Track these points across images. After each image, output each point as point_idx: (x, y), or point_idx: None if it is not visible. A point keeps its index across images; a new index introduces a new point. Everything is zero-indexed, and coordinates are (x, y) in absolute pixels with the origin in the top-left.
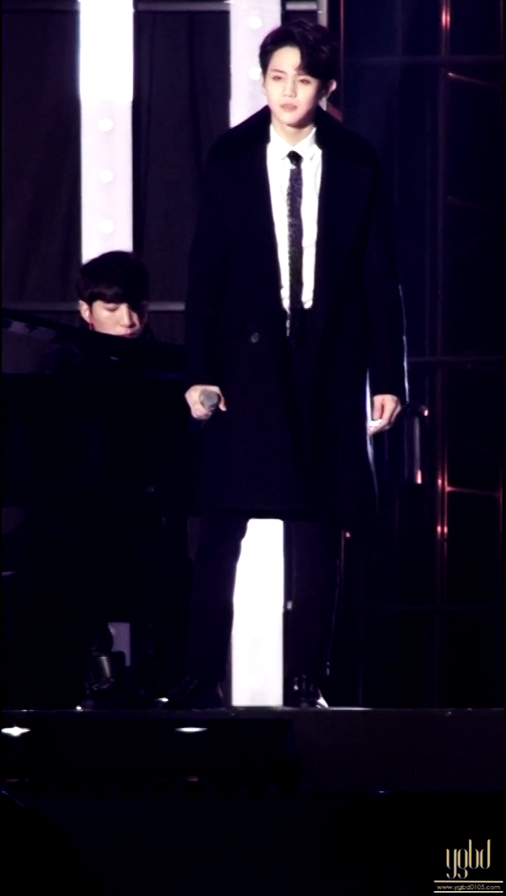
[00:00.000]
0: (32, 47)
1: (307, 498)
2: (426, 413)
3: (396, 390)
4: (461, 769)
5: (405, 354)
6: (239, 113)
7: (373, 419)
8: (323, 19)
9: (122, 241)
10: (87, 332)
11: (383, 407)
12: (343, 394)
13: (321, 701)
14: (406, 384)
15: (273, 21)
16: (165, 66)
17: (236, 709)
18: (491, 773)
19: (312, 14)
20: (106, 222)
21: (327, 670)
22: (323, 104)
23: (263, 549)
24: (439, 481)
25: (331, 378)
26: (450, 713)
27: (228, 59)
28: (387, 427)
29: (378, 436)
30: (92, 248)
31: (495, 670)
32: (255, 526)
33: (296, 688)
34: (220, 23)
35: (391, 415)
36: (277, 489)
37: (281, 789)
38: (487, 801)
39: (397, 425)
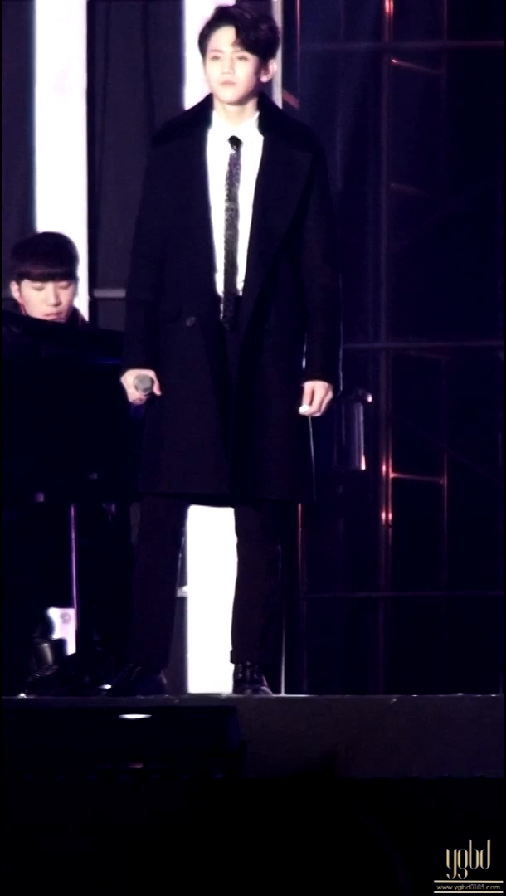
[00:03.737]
0: None
1: (234, 483)
2: (370, 399)
3: (327, 377)
4: (406, 756)
5: (341, 341)
6: (193, 100)
7: (303, 405)
8: (278, 6)
9: (77, 228)
10: (28, 319)
11: (313, 393)
12: (273, 379)
13: (265, 688)
14: (340, 371)
15: None
16: (119, 54)
17: (181, 696)
18: (436, 760)
19: (268, 1)
20: (61, 209)
21: (271, 657)
22: (278, 92)
23: (218, 534)
24: (383, 467)
25: (260, 363)
26: (394, 700)
27: (183, 47)
28: (317, 413)
29: (320, 422)
30: None
31: (439, 656)
32: (211, 512)
33: (240, 675)
34: (174, 10)
35: (321, 401)
36: (206, 473)
37: (225, 776)
38: (432, 788)
39: (338, 411)
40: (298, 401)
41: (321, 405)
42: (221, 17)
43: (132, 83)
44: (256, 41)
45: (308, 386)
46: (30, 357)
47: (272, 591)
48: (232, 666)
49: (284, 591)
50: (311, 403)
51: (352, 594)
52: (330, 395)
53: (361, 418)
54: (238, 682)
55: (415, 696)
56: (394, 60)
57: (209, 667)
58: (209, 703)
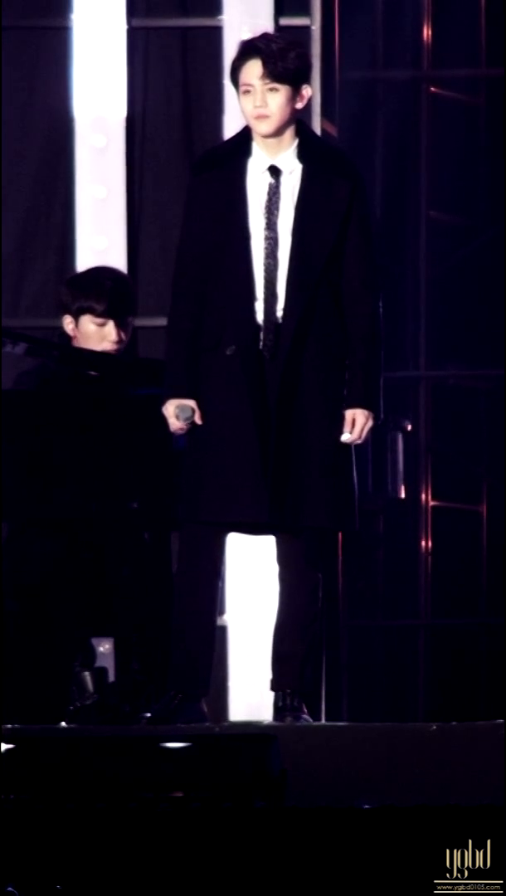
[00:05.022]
0: (25, 64)
1: (273, 511)
2: (409, 427)
3: (368, 405)
4: (446, 784)
5: (382, 369)
6: (232, 128)
7: (344, 433)
8: (317, 34)
9: (117, 257)
10: (70, 348)
11: (354, 421)
12: (314, 407)
13: (305, 716)
14: (380, 399)
15: None
16: (158, 81)
17: (221, 724)
18: (476, 788)
19: (306, 29)
20: (100, 238)
21: (312, 685)
22: (317, 120)
23: (259, 563)
24: (423, 496)
25: (300, 391)
26: (435, 728)
27: (222, 75)
28: (358, 441)
29: (360, 450)
30: (86, 264)
31: (479, 684)
32: (251, 540)
33: (280, 703)
34: (213, 38)
35: (362, 429)
36: (246, 502)
37: (266, 804)
38: (472, 816)
39: (379, 440)
40: (339, 428)
41: (362, 433)
42: (247, 50)
43: (171, 111)
44: (285, 71)
45: (349, 414)
46: (71, 386)
47: (313, 619)
48: (272, 694)
49: (324, 619)
50: (351, 431)
51: (392, 622)
52: (371, 423)
53: (401, 446)
54: (278, 710)
55: (455, 723)
56: (433, 88)
57: (250, 695)
58: (250, 731)
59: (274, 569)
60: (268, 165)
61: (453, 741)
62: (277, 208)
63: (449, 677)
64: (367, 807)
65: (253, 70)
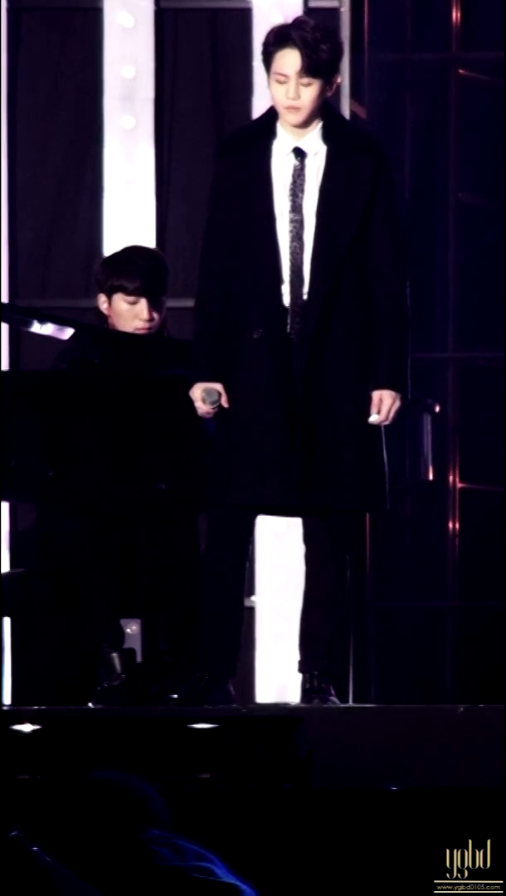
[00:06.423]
0: (54, 45)
1: (301, 494)
2: (438, 409)
3: (395, 385)
4: (473, 766)
5: (409, 350)
6: (261, 108)
7: (371, 414)
8: (346, 17)
9: (145, 238)
10: (101, 329)
11: (380, 402)
12: (340, 387)
13: (333, 697)
14: (408, 380)
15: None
16: (187, 63)
17: (248, 705)
18: (503, 770)
19: (335, 11)
20: (128, 219)
21: (339, 666)
22: (346, 102)
23: (288, 544)
24: (451, 478)
25: (325, 372)
26: (462, 710)
27: (251, 57)
28: (385, 422)
29: (388, 431)
30: (114, 245)
31: (505, 666)
32: (281, 521)
33: (308, 685)
34: (242, 20)
35: (389, 410)
36: (273, 485)
37: (293, 785)
38: (499, 798)
39: (407, 421)
40: (366, 410)
41: (389, 414)
42: (284, 38)
43: (200, 92)
44: (320, 64)
45: (376, 395)
46: (100, 366)
47: (340, 601)
48: (300, 675)
49: (351, 601)
50: (379, 412)
51: (419, 604)
52: (398, 404)
53: (429, 428)
54: (306, 692)
55: (482, 705)
56: (461, 71)
57: (277, 676)
58: (277, 713)
59: (302, 550)
60: (292, 147)
61: (481, 723)
62: (301, 190)
63: (476, 659)
64: (394, 789)
65: (289, 61)
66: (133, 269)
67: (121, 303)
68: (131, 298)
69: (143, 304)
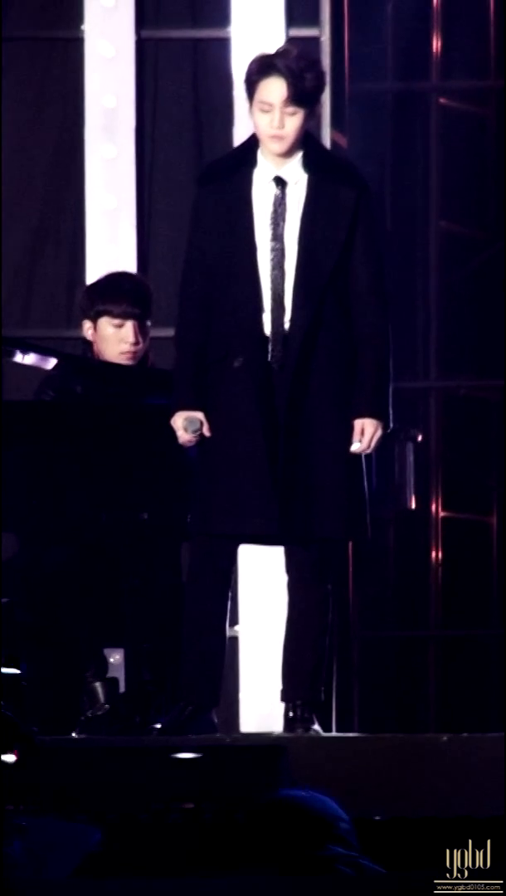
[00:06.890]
0: (36, 75)
1: (283, 523)
2: (420, 438)
3: (377, 414)
4: (457, 795)
5: (390, 378)
6: (242, 138)
7: (353, 443)
8: (327, 46)
9: (127, 267)
10: (84, 359)
11: (362, 430)
12: (322, 416)
13: (316, 727)
14: (390, 408)
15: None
16: (168, 92)
17: (232, 735)
18: (487, 799)
19: (316, 41)
20: (110, 248)
21: (322, 695)
22: (327, 131)
23: (271, 573)
24: (433, 506)
25: (307, 401)
26: (446, 739)
27: (231, 86)
28: (367, 451)
29: (370, 460)
30: (96, 274)
31: (490, 695)
32: (263, 551)
33: (291, 714)
34: (222, 49)
35: (371, 438)
36: (256, 514)
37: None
38: (482, 827)
39: (389, 449)
40: (348, 438)
41: (371, 442)
42: (268, 67)
43: (181, 121)
44: (305, 92)
45: (358, 423)
46: (82, 396)
47: (323, 630)
48: (283, 705)
49: (334, 630)
50: (361, 441)
51: (402, 633)
52: (380, 433)
53: (412, 457)
54: (289, 721)
55: (466, 735)
56: (442, 99)
57: (260, 706)
58: (260, 742)
59: (284, 579)
60: (273, 176)
61: (464, 752)
62: (283, 219)
63: (460, 688)
64: (378, 818)
65: (273, 90)
66: (119, 292)
67: (107, 327)
68: (117, 321)
69: (129, 326)
